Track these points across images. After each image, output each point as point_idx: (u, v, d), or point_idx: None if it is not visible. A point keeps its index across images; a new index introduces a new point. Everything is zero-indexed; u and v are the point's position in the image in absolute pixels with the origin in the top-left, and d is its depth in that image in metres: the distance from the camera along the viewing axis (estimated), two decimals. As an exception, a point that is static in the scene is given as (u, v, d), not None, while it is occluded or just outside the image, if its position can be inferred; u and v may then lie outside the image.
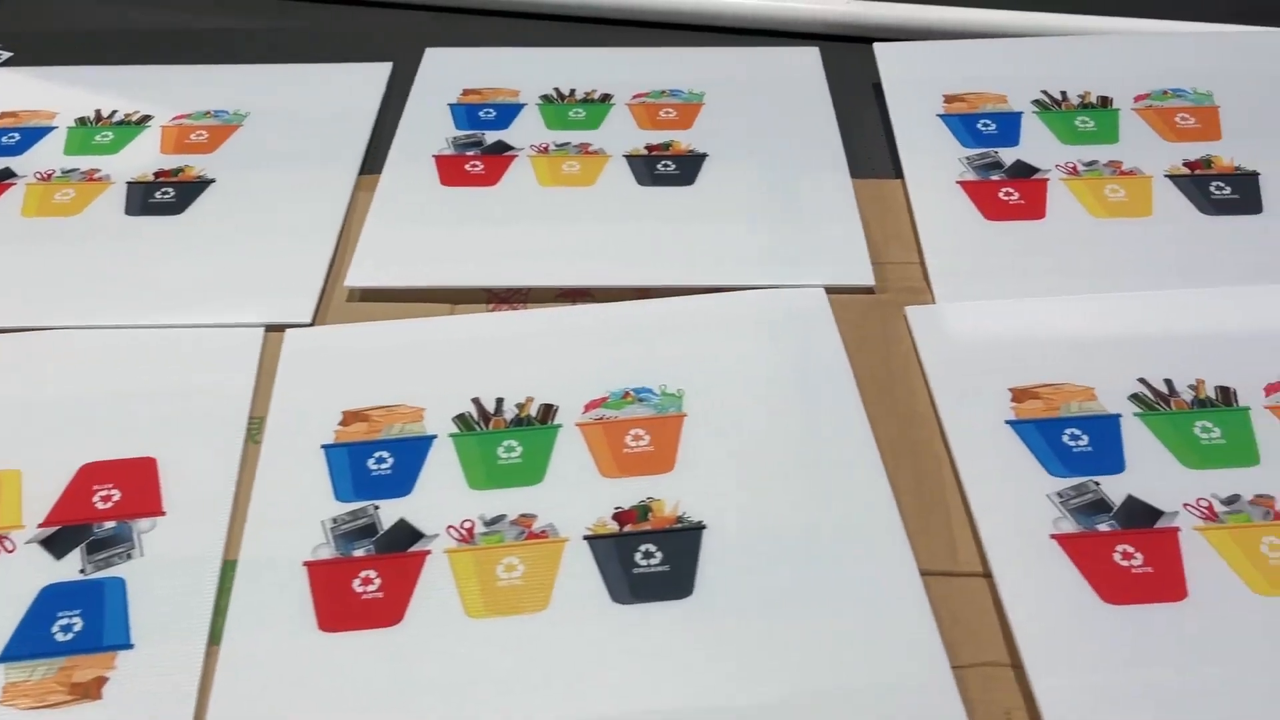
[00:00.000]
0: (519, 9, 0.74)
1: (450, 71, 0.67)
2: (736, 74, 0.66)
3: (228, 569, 0.40)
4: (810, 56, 0.67)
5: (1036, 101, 0.61)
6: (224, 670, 0.37)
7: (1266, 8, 0.70)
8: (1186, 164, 0.57)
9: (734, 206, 0.56)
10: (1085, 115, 0.60)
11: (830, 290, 0.51)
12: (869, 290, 0.52)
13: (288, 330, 0.49)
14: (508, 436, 0.45)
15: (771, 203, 0.56)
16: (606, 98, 0.64)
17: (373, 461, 0.44)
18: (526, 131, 0.62)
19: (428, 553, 0.40)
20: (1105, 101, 0.61)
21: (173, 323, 0.50)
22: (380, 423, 0.45)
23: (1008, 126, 0.60)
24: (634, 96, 0.64)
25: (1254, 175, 0.56)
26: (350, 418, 0.46)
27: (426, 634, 0.38)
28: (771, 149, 0.60)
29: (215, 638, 0.38)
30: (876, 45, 0.66)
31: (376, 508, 0.42)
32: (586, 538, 0.41)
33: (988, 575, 0.40)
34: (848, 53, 0.68)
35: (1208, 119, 0.59)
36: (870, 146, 0.61)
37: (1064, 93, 0.62)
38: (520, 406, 0.46)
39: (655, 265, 0.53)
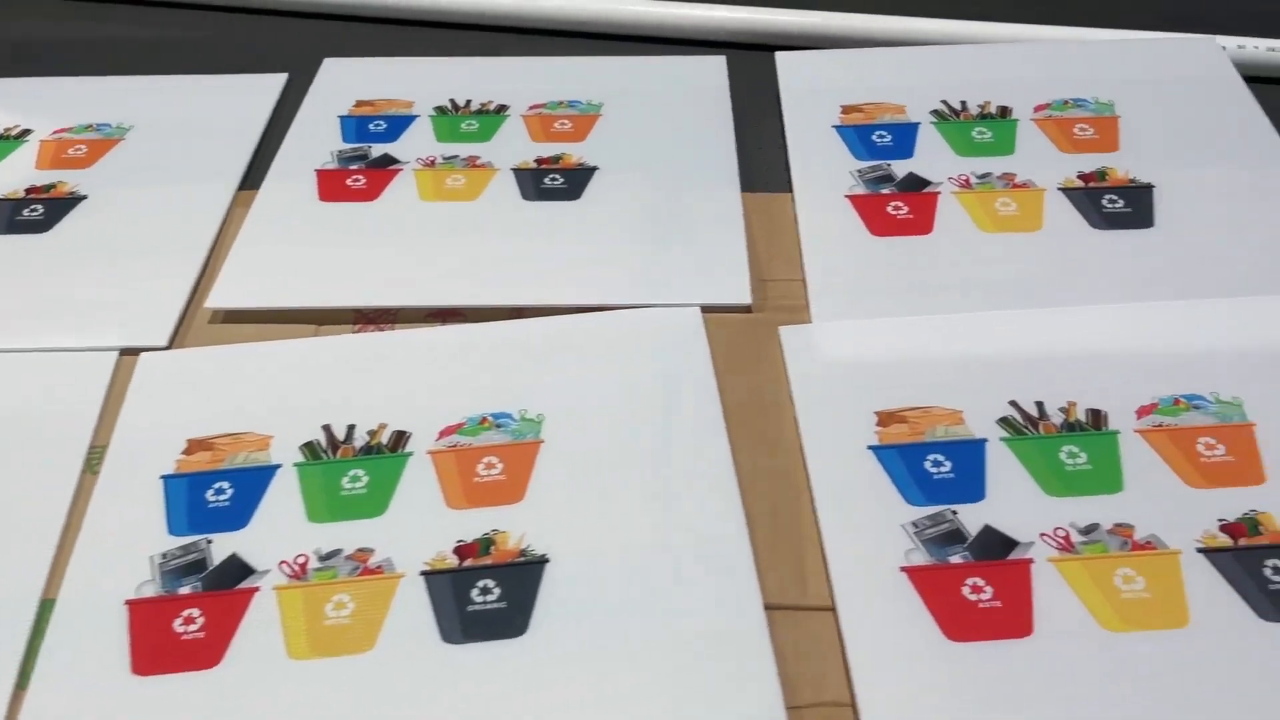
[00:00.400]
0: (423, 18, 0.72)
1: (346, 82, 0.65)
2: (639, 84, 0.65)
3: (45, 608, 0.38)
4: (715, 65, 0.66)
5: (935, 112, 0.60)
6: (27, 717, 0.35)
7: (1179, 15, 0.69)
8: (1081, 176, 0.55)
9: (618, 222, 0.54)
10: (983, 126, 0.59)
11: (707, 309, 0.50)
12: (747, 309, 0.50)
13: (142, 354, 0.48)
14: (354, 466, 0.43)
15: (656, 218, 0.55)
16: (502, 109, 0.63)
17: (211, 493, 0.42)
18: (415, 144, 0.60)
19: (255, 590, 0.39)
20: (1005, 112, 0.60)
21: (24, 346, 0.48)
22: (225, 451, 0.44)
23: (903, 138, 0.58)
24: (530, 108, 0.63)
25: (1148, 188, 0.55)
26: (194, 446, 0.44)
27: (244, 677, 0.36)
28: (664, 162, 0.58)
29: (23, 682, 0.37)
30: (778, 54, 0.65)
31: (209, 542, 0.40)
32: (424, 573, 0.39)
33: (836, 609, 0.39)
34: (757, 61, 0.67)
35: (1106, 129, 0.58)
36: (768, 159, 0.60)
37: (964, 103, 0.60)
38: (372, 434, 0.44)
39: (530, 284, 0.51)
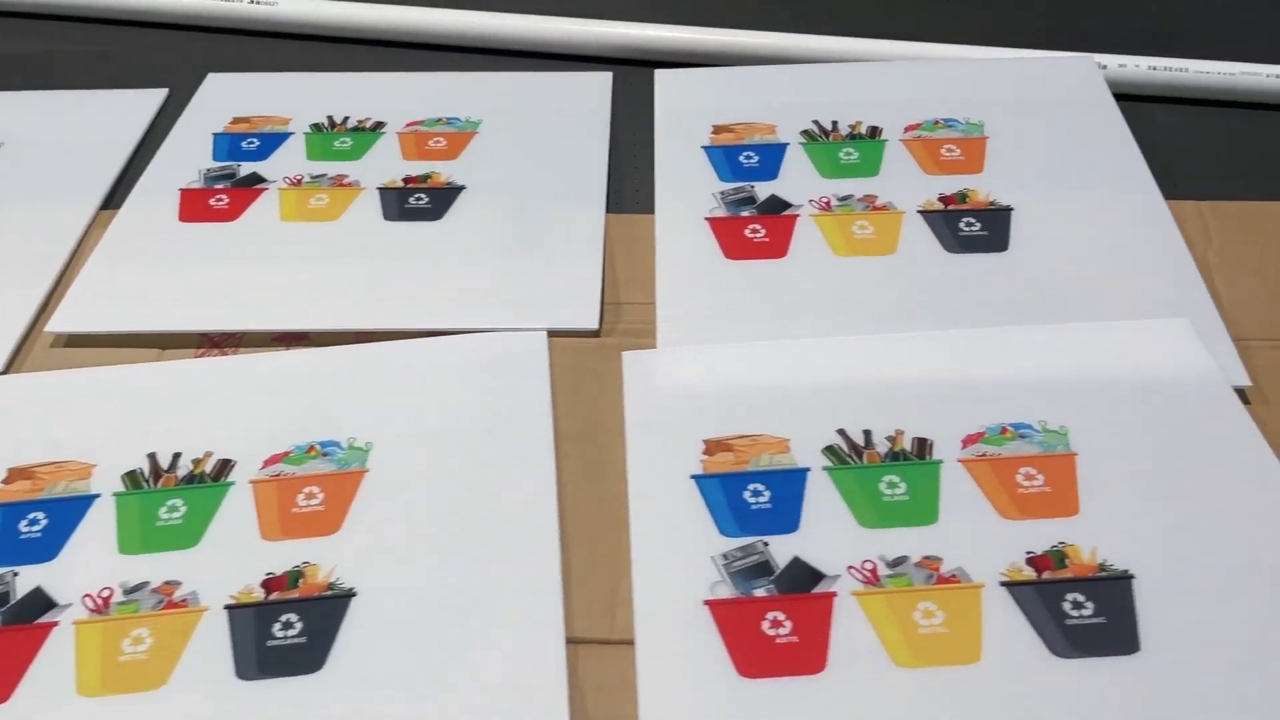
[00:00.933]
0: (314, 33, 0.72)
1: (226, 98, 0.65)
2: (520, 101, 0.64)
3: None
4: (600, 82, 0.66)
5: (806, 132, 0.60)
6: None
7: (1065, 32, 0.69)
8: (942, 198, 0.55)
9: (476, 244, 0.54)
10: (851, 147, 0.59)
11: (555, 334, 0.49)
12: (595, 334, 0.50)
13: (-26, 380, 0.48)
14: (173, 495, 0.43)
15: (514, 240, 0.54)
16: (379, 126, 0.62)
17: (25, 524, 0.42)
18: (286, 162, 0.60)
19: (54, 624, 0.38)
20: (875, 132, 0.60)
21: None
22: (45, 480, 0.43)
23: (770, 159, 0.58)
24: (408, 125, 0.62)
25: (1007, 210, 0.54)
26: (14, 475, 0.44)
27: (28, 716, 0.36)
28: (532, 182, 0.58)
29: None
30: (656, 72, 0.65)
31: (15, 575, 0.40)
32: (228, 607, 0.39)
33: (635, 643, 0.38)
34: (647, 78, 0.67)
35: (973, 151, 0.58)
36: (641, 179, 0.59)
37: (835, 123, 0.60)
38: (196, 462, 0.44)
39: (380, 307, 0.51)
